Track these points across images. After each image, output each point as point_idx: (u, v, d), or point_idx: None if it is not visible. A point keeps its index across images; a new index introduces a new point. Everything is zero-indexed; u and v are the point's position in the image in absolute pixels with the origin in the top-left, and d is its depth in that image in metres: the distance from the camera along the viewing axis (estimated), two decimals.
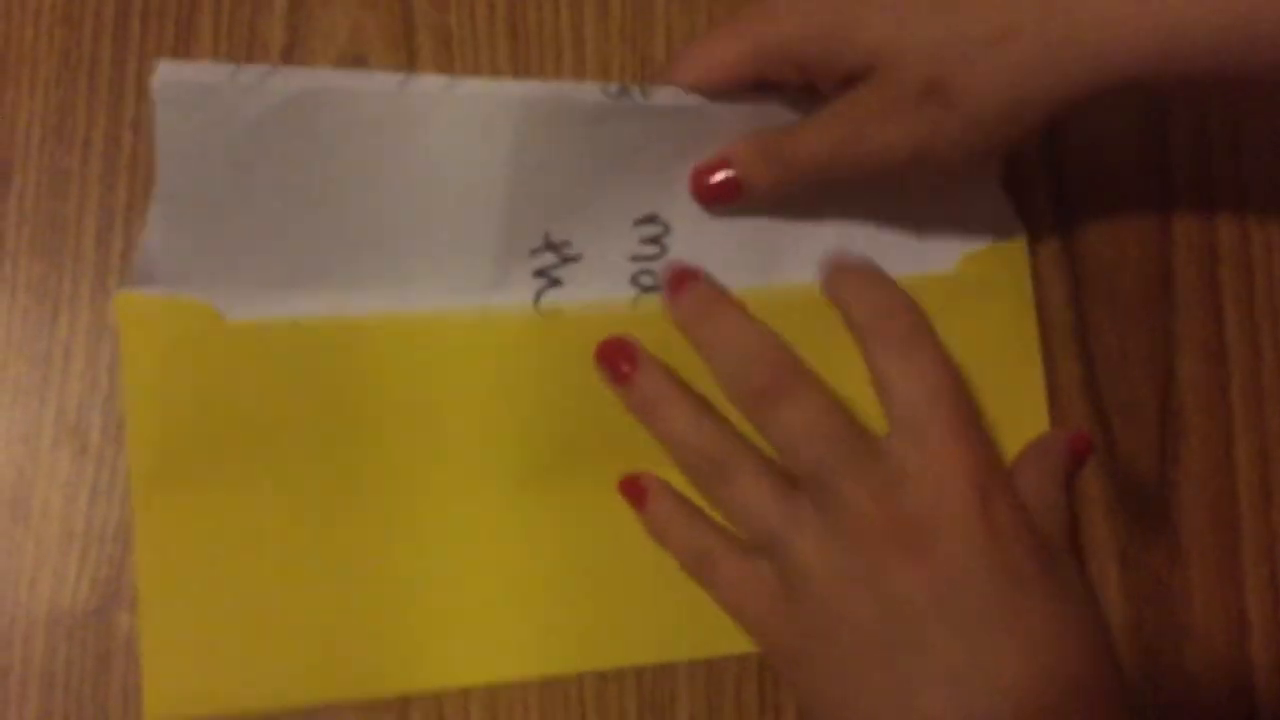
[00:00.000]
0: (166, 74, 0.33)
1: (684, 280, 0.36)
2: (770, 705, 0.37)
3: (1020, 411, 0.38)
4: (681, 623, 0.36)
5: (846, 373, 0.33)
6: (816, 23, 0.32)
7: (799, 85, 0.34)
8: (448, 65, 0.39)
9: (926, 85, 0.32)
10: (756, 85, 0.35)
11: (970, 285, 0.38)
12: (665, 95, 0.35)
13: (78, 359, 0.37)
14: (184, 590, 0.35)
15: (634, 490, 0.36)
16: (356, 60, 0.39)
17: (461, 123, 0.35)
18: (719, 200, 0.37)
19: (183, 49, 0.39)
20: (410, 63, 0.39)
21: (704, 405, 0.35)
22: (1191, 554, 0.37)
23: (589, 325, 0.37)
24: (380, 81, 0.35)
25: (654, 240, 0.38)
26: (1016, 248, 0.38)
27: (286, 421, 0.36)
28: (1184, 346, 0.39)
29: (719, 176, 0.36)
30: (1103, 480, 0.38)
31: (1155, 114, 0.40)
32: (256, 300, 0.36)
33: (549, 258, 0.37)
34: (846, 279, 0.34)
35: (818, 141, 0.34)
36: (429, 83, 0.35)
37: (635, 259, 0.37)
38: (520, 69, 0.40)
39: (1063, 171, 0.40)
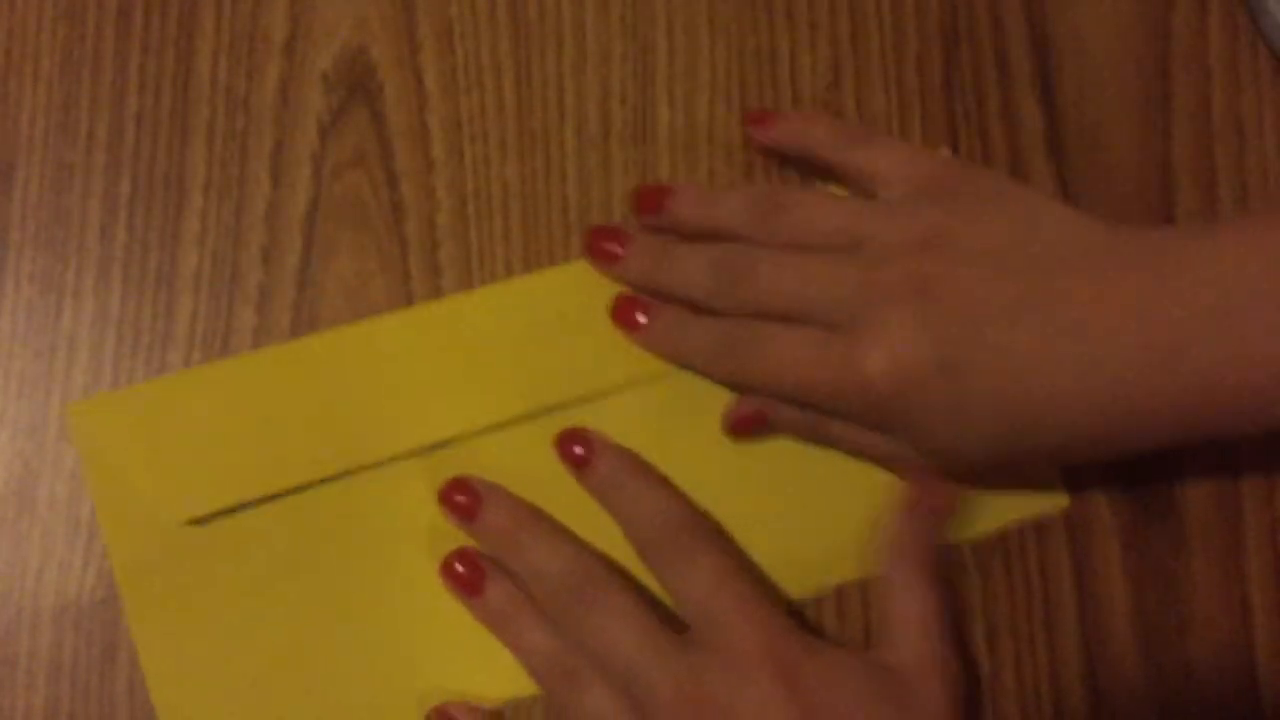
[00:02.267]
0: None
1: (478, 508, 0.36)
2: None
3: None
4: None
5: None
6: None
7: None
8: (449, 56, 0.39)
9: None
10: None
11: None
12: None
13: (82, 350, 0.37)
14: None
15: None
16: (359, 51, 0.39)
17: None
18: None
19: (184, 41, 0.39)
20: (412, 55, 0.39)
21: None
22: (1194, 540, 0.37)
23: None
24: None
25: None
26: None
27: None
28: None
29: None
30: (1106, 465, 0.38)
31: (1156, 99, 0.40)
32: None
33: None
34: (617, 492, 0.36)
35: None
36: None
37: None
38: (521, 60, 0.40)
39: (1064, 159, 0.40)
